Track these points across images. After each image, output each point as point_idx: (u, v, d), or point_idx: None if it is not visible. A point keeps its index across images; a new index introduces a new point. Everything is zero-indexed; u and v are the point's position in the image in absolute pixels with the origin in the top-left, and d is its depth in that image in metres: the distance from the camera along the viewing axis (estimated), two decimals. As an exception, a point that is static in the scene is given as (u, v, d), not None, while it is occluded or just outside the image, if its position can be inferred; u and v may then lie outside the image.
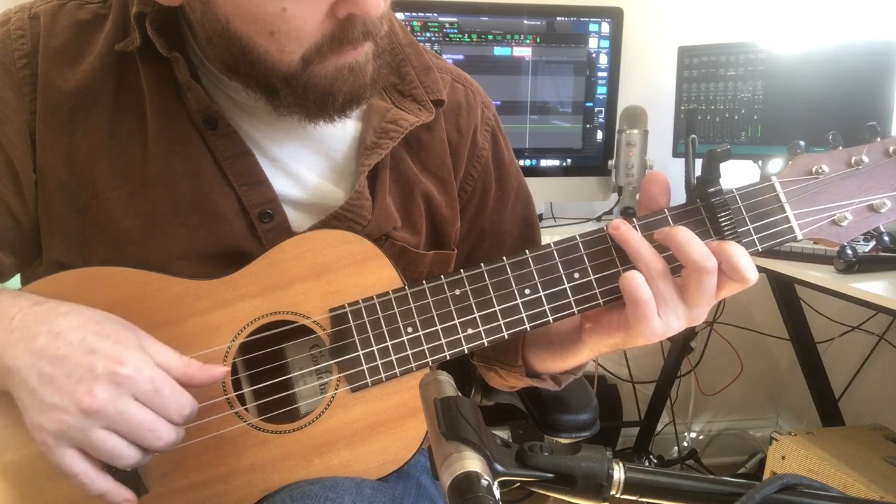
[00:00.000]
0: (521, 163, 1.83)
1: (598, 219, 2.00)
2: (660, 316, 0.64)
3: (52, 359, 0.59)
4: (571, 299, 0.69)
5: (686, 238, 0.63)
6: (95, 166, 0.70)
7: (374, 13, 0.60)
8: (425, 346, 0.70)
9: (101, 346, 0.60)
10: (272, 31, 0.61)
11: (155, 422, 0.60)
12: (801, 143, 0.69)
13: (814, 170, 0.69)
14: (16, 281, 0.77)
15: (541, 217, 1.92)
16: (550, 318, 0.69)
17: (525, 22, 1.79)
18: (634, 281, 0.64)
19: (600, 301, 0.69)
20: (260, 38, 0.62)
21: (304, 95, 0.66)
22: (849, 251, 1.26)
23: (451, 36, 1.77)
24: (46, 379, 0.58)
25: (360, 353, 0.70)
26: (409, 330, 0.70)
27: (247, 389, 0.73)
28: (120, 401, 0.59)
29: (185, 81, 0.69)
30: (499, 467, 0.46)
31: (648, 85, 2.02)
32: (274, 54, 0.63)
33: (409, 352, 0.70)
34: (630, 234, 0.66)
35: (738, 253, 0.63)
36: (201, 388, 0.65)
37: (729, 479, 0.49)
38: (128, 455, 0.60)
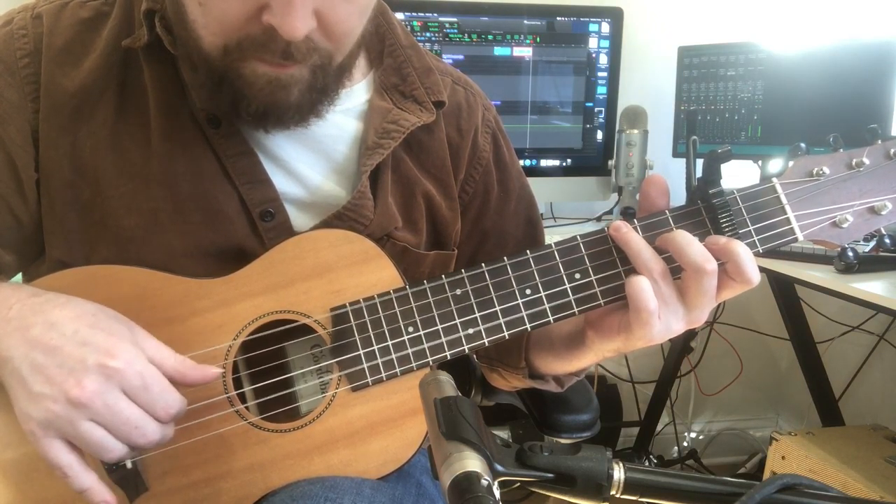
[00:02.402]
0: (522, 163, 1.82)
1: (599, 219, 2.00)
2: (660, 318, 0.64)
3: (45, 349, 0.59)
4: (572, 299, 0.69)
5: (685, 240, 0.63)
6: (99, 164, 0.70)
7: (287, 32, 0.59)
8: (426, 346, 0.70)
9: (94, 338, 0.60)
10: (200, 1, 0.61)
11: (141, 419, 0.60)
12: (802, 145, 0.69)
13: (814, 171, 0.69)
14: (18, 280, 0.77)
15: (541, 217, 1.92)
16: (551, 318, 0.69)
17: (525, 22, 1.79)
18: (641, 289, 0.63)
19: (601, 301, 0.69)
20: (191, 4, 0.62)
21: (220, 85, 0.65)
22: (849, 253, 1.26)
23: (451, 36, 1.77)
24: (37, 368, 0.58)
25: (361, 352, 0.70)
26: (410, 329, 0.70)
27: (247, 388, 0.73)
28: (109, 394, 0.59)
29: (190, 80, 0.69)
30: (499, 467, 0.46)
31: (648, 85, 2.02)
32: (199, 29, 0.63)
33: (410, 351, 0.70)
34: (630, 236, 0.66)
35: (743, 254, 0.63)
36: (195, 386, 0.65)
37: (729, 479, 0.49)
38: (114, 448, 0.60)
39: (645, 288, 0.63)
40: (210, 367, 0.65)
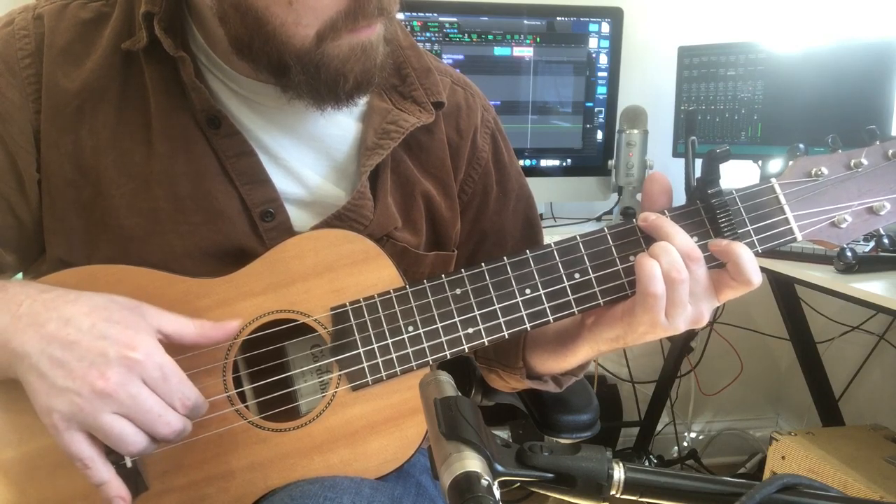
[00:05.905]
0: (522, 163, 1.83)
1: (598, 219, 2.00)
2: (667, 315, 0.65)
3: (62, 344, 0.59)
4: (571, 298, 0.69)
5: (672, 229, 0.65)
6: (101, 164, 0.70)
7: None
8: (426, 345, 0.70)
9: (112, 331, 0.60)
10: (290, 0, 0.61)
11: (164, 408, 0.61)
12: (801, 145, 0.70)
13: (813, 172, 0.69)
14: (19, 279, 0.77)
15: (541, 217, 1.91)
16: (551, 317, 0.69)
17: (525, 22, 1.79)
18: (652, 274, 0.63)
19: (600, 301, 0.69)
20: (277, 8, 0.62)
21: (317, 75, 0.66)
22: (849, 253, 1.26)
23: (451, 36, 1.77)
24: (57, 363, 0.59)
25: (361, 351, 0.70)
26: (410, 329, 0.70)
27: (247, 387, 0.73)
28: (132, 385, 0.59)
29: (189, 82, 0.69)
30: (499, 467, 0.46)
31: (648, 85, 2.02)
32: (290, 27, 0.63)
33: (410, 350, 0.70)
34: (661, 222, 0.67)
35: (744, 255, 0.63)
36: (219, 345, 0.67)
37: (729, 479, 0.49)
38: (135, 441, 0.60)
39: (656, 274, 0.63)
40: (229, 323, 0.67)
